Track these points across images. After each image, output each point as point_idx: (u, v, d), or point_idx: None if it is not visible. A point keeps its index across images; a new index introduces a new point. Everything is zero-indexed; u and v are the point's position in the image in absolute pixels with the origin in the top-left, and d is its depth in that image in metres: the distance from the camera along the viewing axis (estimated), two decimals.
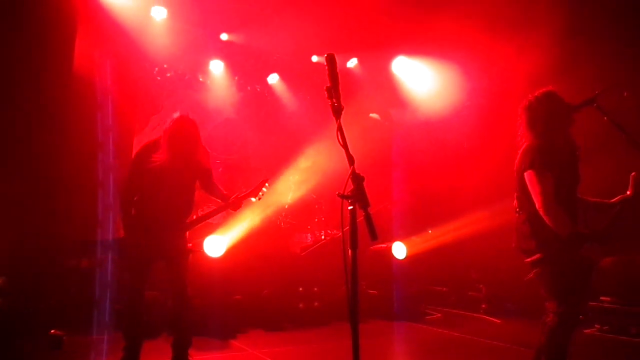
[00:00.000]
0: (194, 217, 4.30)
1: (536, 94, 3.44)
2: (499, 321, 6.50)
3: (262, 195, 4.39)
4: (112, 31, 6.29)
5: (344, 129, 2.32)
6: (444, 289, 7.69)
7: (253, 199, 4.37)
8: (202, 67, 7.83)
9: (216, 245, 5.59)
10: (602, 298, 5.78)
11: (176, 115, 3.99)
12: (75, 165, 5.75)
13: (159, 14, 6.76)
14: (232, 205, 4.20)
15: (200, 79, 7.92)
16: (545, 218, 3.20)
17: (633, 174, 3.29)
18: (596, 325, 5.80)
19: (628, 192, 3.31)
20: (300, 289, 6.41)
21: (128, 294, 3.97)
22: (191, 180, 4.07)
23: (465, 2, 6.21)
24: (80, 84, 5.71)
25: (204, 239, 5.60)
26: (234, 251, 5.77)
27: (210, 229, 5.91)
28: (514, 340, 5.30)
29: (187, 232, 4.08)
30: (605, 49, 5.72)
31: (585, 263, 3.25)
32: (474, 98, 7.78)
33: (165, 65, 7.33)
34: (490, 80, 7.27)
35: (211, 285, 5.71)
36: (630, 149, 3.19)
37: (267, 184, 4.41)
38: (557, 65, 5.79)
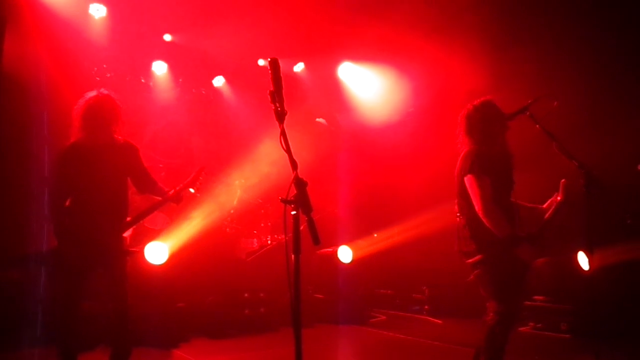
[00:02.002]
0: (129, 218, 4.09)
1: (474, 103, 3.61)
2: (441, 322, 6.68)
3: (200, 185, 4.28)
4: (46, 28, 5.97)
5: (288, 134, 2.32)
6: (389, 291, 7.82)
7: (192, 190, 4.25)
8: (144, 68, 7.60)
9: (158, 252, 5.42)
10: (535, 297, 6.07)
11: (90, 94, 3.81)
12: (7, 173, 5.41)
13: (98, 11, 6.50)
14: (172, 198, 4.05)
15: (143, 81, 7.69)
16: (484, 220, 3.34)
17: (563, 180, 3.49)
18: (530, 323, 6.09)
19: (559, 197, 3.50)
20: (246, 295, 6.32)
21: (62, 305, 3.76)
22: (120, 167, 3.85)
23: (409, 10, 6.38)
24: (10, 85, 5.37)
25: (145, 246, 5.43)
26: (177, 258, 5.62)
27: (152, 236, 5.73)
28: (455, 340, 5.46)
29: (126, 235, 3.93)
30: (535, 63, 6.04)
31: (521, 264, 3.40)
32: (418, 104, 7.98)
33: (104, 66, 7.05)
34: (433, 87, 7.50)
35: (153, 293, 5.53)
36: (560, 155, 3.37)
37: (204, 173, 4.29)
38: (493, 75, 6.05)
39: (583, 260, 5.52)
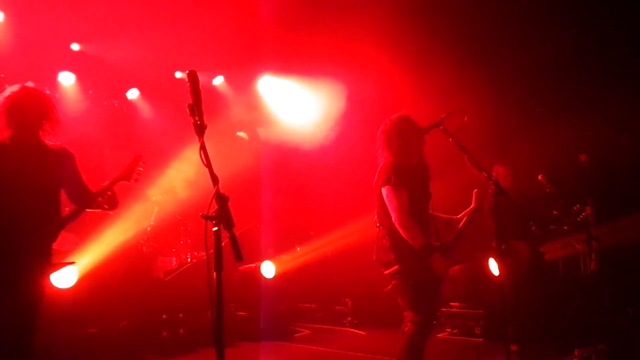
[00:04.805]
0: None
1: (392, 118, 3.73)
2: (363, 333, 6.77)
3: (138, 175, 3.60)
4: None
5: (208, 148, 2.25)
6: (313, 305, 7.81)
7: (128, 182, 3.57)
8: (49, 79, 7.11)
9: (65, 274, 5.05)
10: (451, 304, 6.33)
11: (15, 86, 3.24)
12: None
13: None
14: (108, 203, 3.45)
15: (47, 92, 7.16)
16: (400, 231, 3.44)
17: (475, 190, 3.69)
18: (447, 329, 6.33)
19: (472, 206, 3.69)
20: (164, 316, 6.03)
21: None
22: (49, 174, 3.22)
23: (328, 25, 6.53)
24: None
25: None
26: (88, 280, 5.25)
27: (60, 257, 5.31)
28: (377, 350, 5.54)
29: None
30: (448, 80, 6.39)
31: (435, 274, 3.52)
32: (339, 118, 8.12)
33: (2, 75, 6.50)
34: (354, 102, 7.70)
35: (60, 319, 5.11)
36: (471, 166, 3.56)
37: (141, 162, 3.62)
38: (410, 92, 6.32)
39: (493, 266, 5.85)
